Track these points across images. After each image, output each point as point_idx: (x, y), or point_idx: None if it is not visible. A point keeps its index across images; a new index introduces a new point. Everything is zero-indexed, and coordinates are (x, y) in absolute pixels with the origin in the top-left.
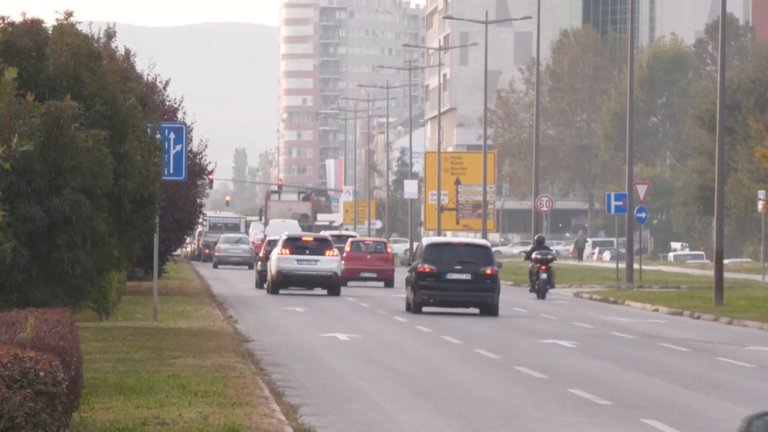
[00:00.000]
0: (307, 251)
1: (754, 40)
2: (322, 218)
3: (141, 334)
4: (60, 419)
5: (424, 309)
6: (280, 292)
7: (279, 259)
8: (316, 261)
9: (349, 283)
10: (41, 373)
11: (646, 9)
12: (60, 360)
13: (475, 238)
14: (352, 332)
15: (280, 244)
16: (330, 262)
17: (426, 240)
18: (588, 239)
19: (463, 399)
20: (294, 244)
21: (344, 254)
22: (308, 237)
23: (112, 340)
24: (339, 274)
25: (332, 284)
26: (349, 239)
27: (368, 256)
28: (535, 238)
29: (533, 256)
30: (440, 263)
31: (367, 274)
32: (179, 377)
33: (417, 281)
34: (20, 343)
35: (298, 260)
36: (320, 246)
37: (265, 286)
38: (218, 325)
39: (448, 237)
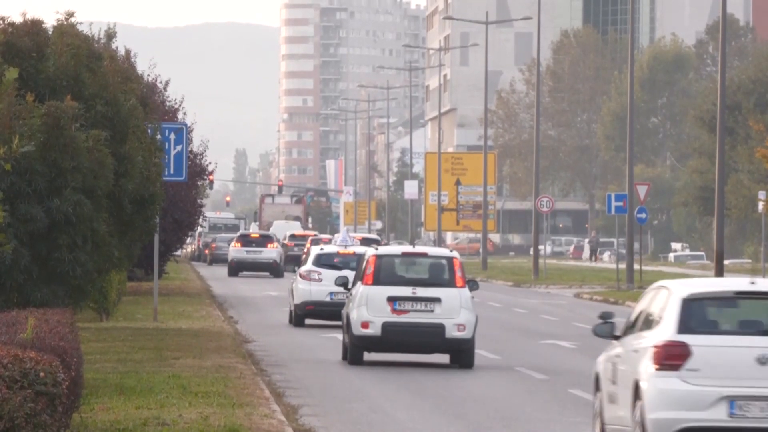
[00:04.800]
0: (254, 244)
1: (755, 41)
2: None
3: (141, 334)
4: (60, 420)
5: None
6: (238, 275)
7: (232, 251)
8: (261, 251)
9: None
10: (41, 374)
11: (647, 9)
12: (60, 360)
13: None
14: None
15: (234, 239)
16: (271, 252)
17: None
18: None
19: (464, 399)
20: (244, 239)
21: (306, 250)
22: (255, 234)
23: (112, 341)
24: (279, 261)
25: (273, 269)
26: (310, 238)
27: None
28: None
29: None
30: None
31: None
32: (180, 378)
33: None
34: (21, 344)
35: (247, 251)
36: (264, 240)
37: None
38: (219, 326)
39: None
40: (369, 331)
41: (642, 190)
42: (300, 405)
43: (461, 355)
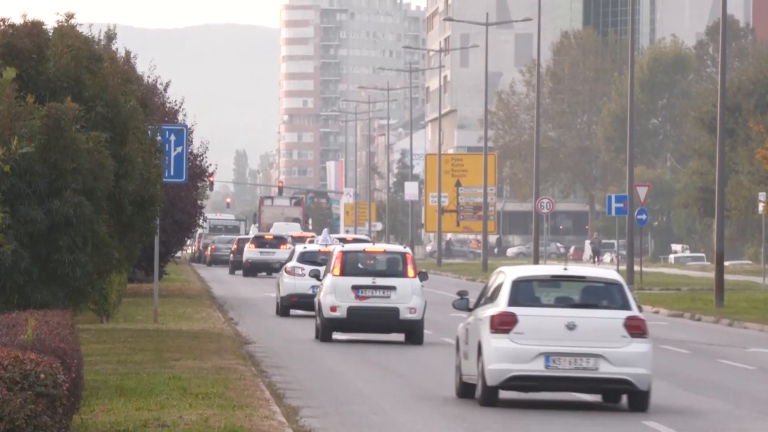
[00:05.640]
0: (267, 246)
1: (755, 42)
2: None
3: (141, 336)
4: (60, 421)
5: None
6: (256, 275)
7: (247, 252)
8: (274, 252)
9: None
10: (42, 375)
11: (647, 11)
12: (61, 362)
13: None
14: (351, 334)
15: (249, 240)
16: (284, 253)
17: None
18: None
19: (465, 401)
20: (259, 241)
21: None
22: (269, 236)
23: (112, 342)
24: None
25: None
26: (307, 239)
27: None
28: None
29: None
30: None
31: None
32: (180, 379)
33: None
34: (21, 345)
35: (260, 252)
36: (277, 242)
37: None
38: (219, 327)
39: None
40: (336, 314)
41: (642, 192)
42: (300, 406)
43: (412, 334)
